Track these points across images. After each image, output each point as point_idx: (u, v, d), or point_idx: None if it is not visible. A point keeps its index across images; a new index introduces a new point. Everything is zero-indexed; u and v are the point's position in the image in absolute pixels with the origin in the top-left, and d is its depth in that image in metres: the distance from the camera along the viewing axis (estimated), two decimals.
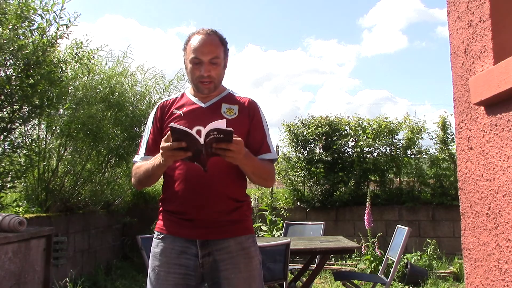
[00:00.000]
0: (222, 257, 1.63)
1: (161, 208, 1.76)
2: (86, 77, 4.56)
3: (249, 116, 1.74)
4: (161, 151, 1.48)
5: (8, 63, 3.24)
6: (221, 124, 1.44)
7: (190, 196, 1.64)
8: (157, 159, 1.56)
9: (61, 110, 4.23)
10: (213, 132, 1.41)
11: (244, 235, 1.69)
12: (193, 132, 1.45)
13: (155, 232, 1.74)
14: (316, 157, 6.66)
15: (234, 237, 1.66)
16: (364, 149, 6.68)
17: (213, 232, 1.64)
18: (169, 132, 1.44)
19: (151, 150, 1.72)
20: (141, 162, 1.71)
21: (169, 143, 1.44)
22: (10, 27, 3.06)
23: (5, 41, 3.03)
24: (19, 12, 3.10)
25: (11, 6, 3.12)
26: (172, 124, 1.44)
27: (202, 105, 1.74)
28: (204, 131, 1.42)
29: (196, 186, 1.63)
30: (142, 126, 5.36)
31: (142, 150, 1.77)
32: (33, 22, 3.27)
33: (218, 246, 1.64)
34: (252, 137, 1.72)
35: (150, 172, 1.62)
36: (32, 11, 3.20)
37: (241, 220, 1.70)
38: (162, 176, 1.73)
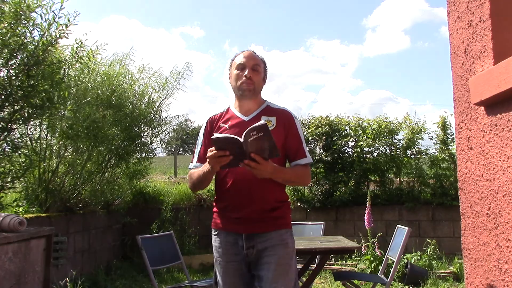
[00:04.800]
0: (264, 247, 1.92)
1: (215, 209, 2.07)
2: (88, 78, 4.55)
3: (285, 126, 2.01)
4: (207, 159, 1.78)
5: (9, 63, 3.24)
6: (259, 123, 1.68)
7: (237, 197, 1.95)
8: (206, 166, 1.86)
9: (63, 111, 4.22)
10: (251, 132, 1.66)
11: (284, 229, 1.97)
12: (232, 135, 1.73)
13: (212, 229, 2.06)
14: (316, 157, 6.66)
15: (275, 231, 1.94)
16: (364, 149, 6.67)
17: (258, 227, 1.93)
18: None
19: (202, 159, 2.02)
20: (195, 170, 2.02)
21: (213, 152, 1.73)
22: (6, 25, 3.05)
23: (5, 38, 3.02)
24: (14, 10, 3.08)
25: (7, 6, 3.10)
26: (213, 136, 1.71)
27: (245, 118, 2.02)
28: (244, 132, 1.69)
29: (243, 189, 1.94)
30: (142, 126, 5.36)
31: (195, 159, 2.09)
32: (32, 20, 3.25)
33: (262, 238, 1.93)
34: (289, 145, 2.00)
35: (201, 178, 1.94)
36: (29, 10, 3.18)
37: (282, 216, 1.99)
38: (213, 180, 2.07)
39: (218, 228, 2.02)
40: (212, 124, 2.08)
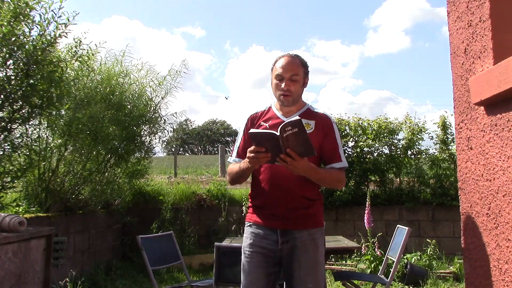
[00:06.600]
0: (296, 244, 1.99)
1: (250, 204, 2.16)
2: (87, 77, 4.55)
3: (323, 130, 2.06)
4: (248, 155, 1.84)
5: (8, 62, 3.23)
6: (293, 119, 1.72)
7: (272, 195, 2.02)
8: (245, 162, 1.94)
9: (62, 111, 4.22)
10: (286, 127, 1.71)
11: (315, 228, 2.05)
12: (268, 130, 1.81)
13: (246, 222, 2.15)
14: None
15: (307, 229, 2.02)
16: (364, 149, 6.67)
17: (291, 224, 2.01)
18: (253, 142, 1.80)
19: (241, 154, 2.10)
20: (234, 164, 2.10)
21: (251, 148, 1.81)
22: (5, 23, 3.04)
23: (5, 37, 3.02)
24: (13, 8, 3.07)
25: (5, 3, 3.09)
26: (251, 130, 1.80)
27: (285, 119, 2.03)
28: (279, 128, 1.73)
29: (277, 187, 2.02)
30: (141, 125, 5.35)
31: (234, 154, 2.17)
32: (30, 20, 3.24)
33: (294, 235, 2.00)
34: (325, 148, 2.06)
35: (240, 173, 2.03)
36: (28, 8, 3.17)
37: (314, 214, 2.06)
38: (250, 176, 2.15)
39: (251, 221, 2.10)
40: (253, 121, 2.15)
